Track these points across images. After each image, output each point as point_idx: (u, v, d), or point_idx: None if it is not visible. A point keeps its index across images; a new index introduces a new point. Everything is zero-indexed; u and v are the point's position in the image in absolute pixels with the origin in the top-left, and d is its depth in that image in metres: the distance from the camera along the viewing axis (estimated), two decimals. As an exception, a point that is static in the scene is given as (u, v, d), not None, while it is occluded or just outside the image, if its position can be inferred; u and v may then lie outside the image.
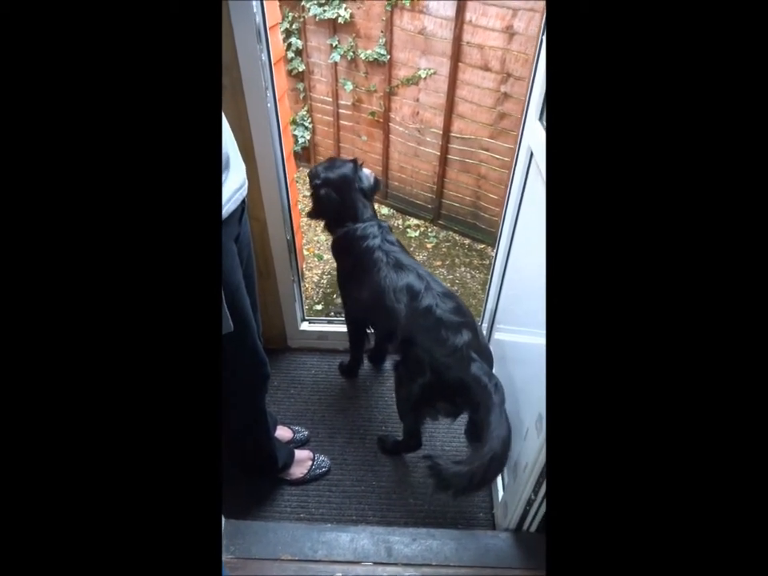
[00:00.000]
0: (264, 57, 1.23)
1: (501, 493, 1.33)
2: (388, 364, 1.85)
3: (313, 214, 1.50)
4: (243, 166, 0.92)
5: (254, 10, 1.14)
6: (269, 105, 1.30)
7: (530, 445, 1.07)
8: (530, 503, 1.10)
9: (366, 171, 1.46)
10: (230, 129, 0.86)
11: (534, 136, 1.23)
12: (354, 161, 1.46)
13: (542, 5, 1.49)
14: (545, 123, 1.23)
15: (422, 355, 1.20)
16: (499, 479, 1.36)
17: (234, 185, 0.85)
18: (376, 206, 3.83)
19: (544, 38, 1.19)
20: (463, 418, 1.59)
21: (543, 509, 1.09)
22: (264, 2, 1.18)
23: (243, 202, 0.94)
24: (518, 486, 1.12)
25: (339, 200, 1.41)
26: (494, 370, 1.22)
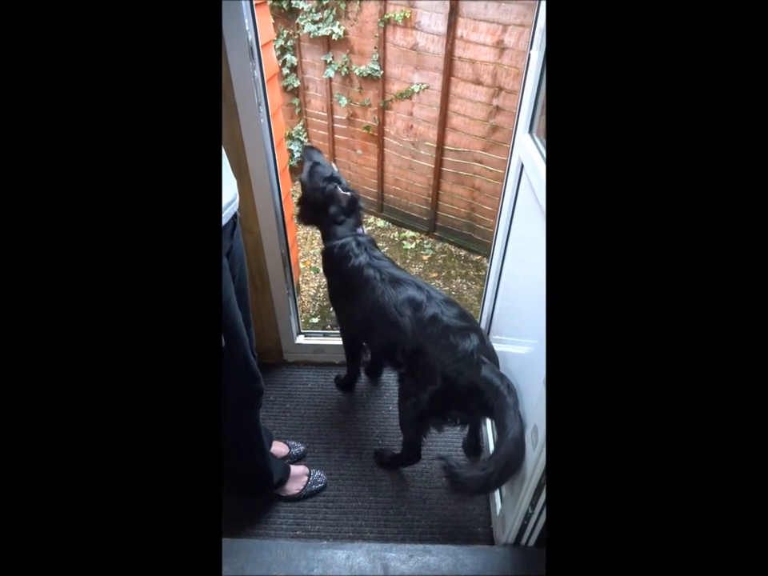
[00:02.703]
0: (257, 73, 1.24)
1: (499, 506, 1.31)
2: (385, 377, 1.84)
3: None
4: (234, 181, 0.93)
5: (246, 28, 1.15)
6: (262, 120, 1.31)
7: (527, 458, 1.06)
8: (527, 517, 1.09)
9: (340, 192, 1.42)
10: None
11: (524, 148, 1.25)
12: (330, 179, 1.43)
13: (532, 20, 1.51)
14: (534, 136, 1.24)
15: (432, 363, 1.19)
16: (497, 493, 1.35)
17: (224, 199, 0.85)
18: (371, 218, 3.85)
19: (532, 52, 1.21)
20: (460, 431, 1.58)
21: (541, 522, 1.07)
22: (256, 20, 1.19)
23: (235, 216, 0.94)
24: (516, 500, 1.11)
25: (312, 214, 1.46)
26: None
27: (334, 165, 1.55)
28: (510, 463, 1.04)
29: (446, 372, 1.18)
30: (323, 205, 1.42)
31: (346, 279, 1.37)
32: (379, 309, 1.28)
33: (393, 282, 1.30)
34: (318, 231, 1.51)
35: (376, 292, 1.29)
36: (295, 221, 1.55)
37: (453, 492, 1.08)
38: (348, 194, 1.43)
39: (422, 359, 1.22)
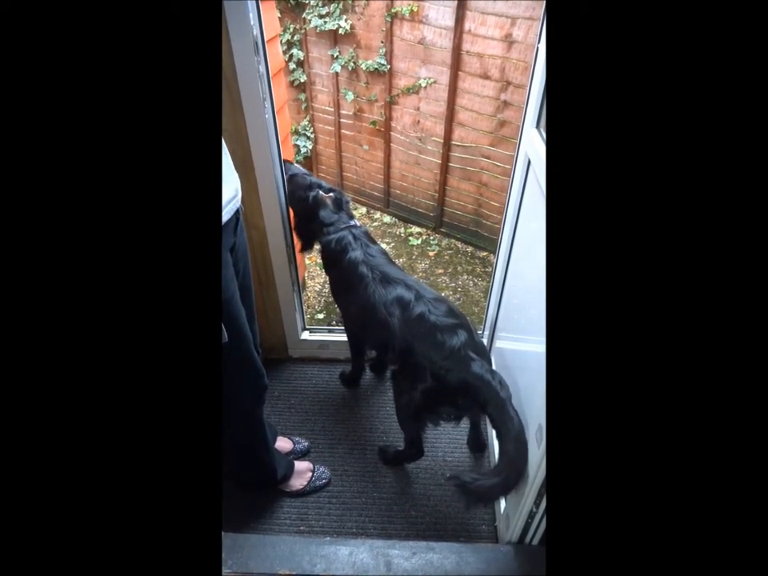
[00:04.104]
0: (262, 68, 1.23)
1: (503, 504, 1.30)
2: (390, 373, 1.84)
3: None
4: (236, 176, 0.92)
5: (251, 23, 1.15)
6: (267, 116, 1.30)
7: (531, 457, 1.05)
8: (531, 516, 1.08)
9: (323, 195, 1.47)
10: (222, 139, 0.86)
11: (531, 144, 1.23)
12: (310, 186, 1.49)
13: (540, 13, 1.49)
14: (542, 131, 1.22)
15: (421, 361, 1.20)
16: (501, 490, 1.34)
17: (226, 195, 0.85)
18: (378, 214, 3.84)
19: (540, 46, 1.19)
20: (464, 428, 1.58)
21: (545, 521, 1.06)
22: (261, 15, 1.19)
23: (237, 212, 0.94)
24: (520, 498, 1.10)
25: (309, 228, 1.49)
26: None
27: (296, 165, 1.59)
28: (520, 459, 1.05)
29: (434, 369, 1.18)
30: (313, 212, 1.46)
31: (344, 273, 1.38)
32: (371, 308, 1.29)
33: (384, 282, 1.30)
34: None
35: (368, 290, 1.30)
36: (302, 252, 1.60)
37: (475, 505, 1.09)
38: (331, 194, 1.48)
39: (412, 358, 1.22)
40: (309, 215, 1.48)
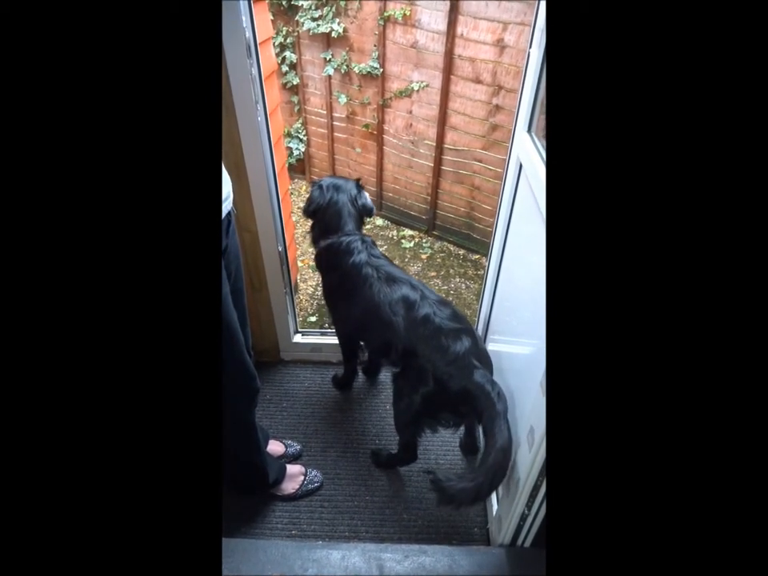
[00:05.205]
0: (254, 71, 1.23)
1: (495, 507, 1.31)
2: (383, 376, 1.84)
3: (304, 211, 1.52)
4: (228, 179, 0.92)
5: (244, 25, 1.15)
6: (260, 119, 1.30)
7: (523, 459, 1.05)
8: (523, 518, 1.08)
9: (367, 194, 1.49)
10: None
11: (523, 147, 1.24)
12: (357, 180, 1.50)
13: (532, 18, 1.50)
14: (533, 135, 1.24)
15: (424, 365, 1.19)
16: (494, 493, 1.34)
17: (219, 198, 0.84)
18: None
19: (531, 51, 1.21)
20: (457, 431, 1.58)
21: (537, 523, 1.07)
22: (254, 17, 1.19)
23: (229, 214, 0.93)
24: (512, 501, 1.11)
25: (328, 203, 1.43)
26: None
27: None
28: (498, 472, 1.05)
29: (437, 374, 1.17)
30: (347, 192, 1.45)
31: (345, 276, 1.37)
32: (374, 307, 1.28)
33: (388, 281, 1.30)
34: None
35: (372, 290, 1.29)
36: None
37: (444, 505, 1.08)
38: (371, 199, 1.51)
39: (415, 360, 1.21)
40: (347, 193, 1.45)
